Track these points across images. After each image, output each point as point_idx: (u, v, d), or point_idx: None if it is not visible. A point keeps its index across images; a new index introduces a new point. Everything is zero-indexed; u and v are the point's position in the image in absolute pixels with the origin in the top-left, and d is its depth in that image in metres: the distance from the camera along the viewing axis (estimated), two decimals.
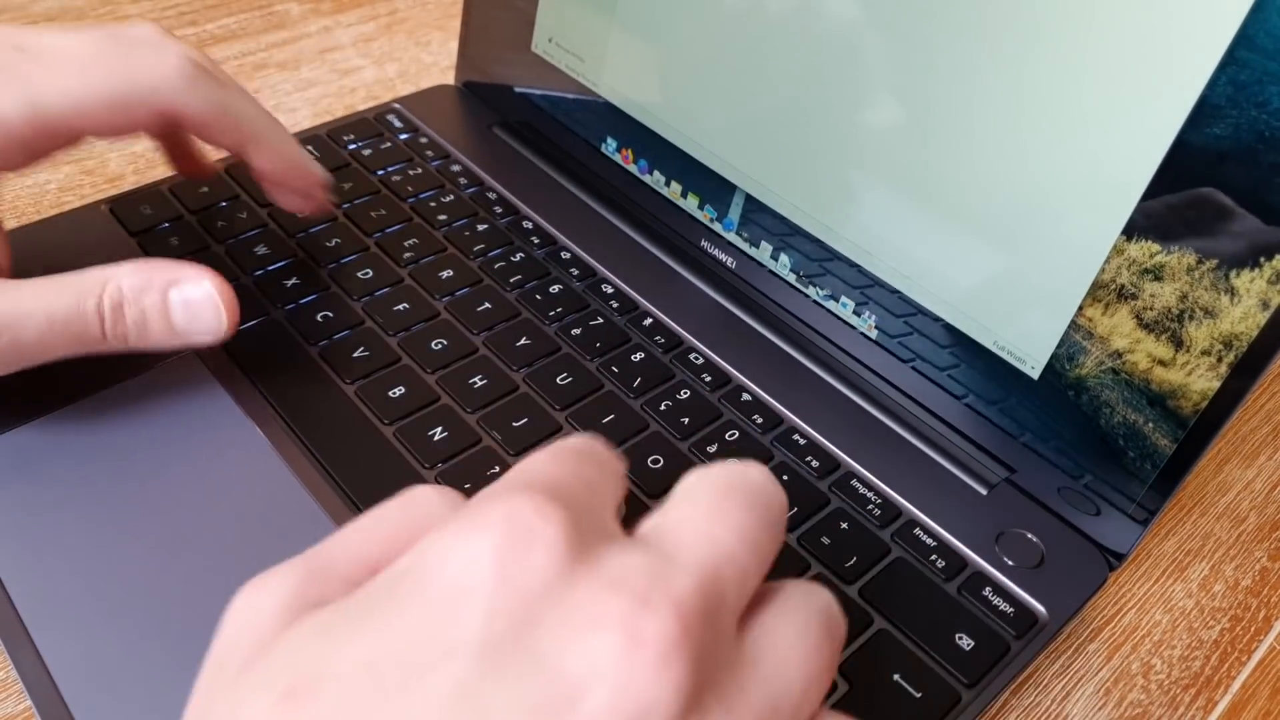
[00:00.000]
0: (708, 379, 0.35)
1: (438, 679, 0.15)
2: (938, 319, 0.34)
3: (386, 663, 0.15)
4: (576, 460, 0.19)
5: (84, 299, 0.28)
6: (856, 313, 0.36)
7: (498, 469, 0.31)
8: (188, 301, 0.29)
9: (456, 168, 0.43)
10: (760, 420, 0.34)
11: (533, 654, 0.15)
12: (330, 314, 0.35)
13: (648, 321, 0.37)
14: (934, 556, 0.31)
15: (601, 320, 0.37)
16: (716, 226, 0.40)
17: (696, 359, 0.36)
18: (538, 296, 0.38)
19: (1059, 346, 0.31)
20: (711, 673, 0.16)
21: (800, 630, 0.18)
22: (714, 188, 0.39)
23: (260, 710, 0.15)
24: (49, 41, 0.29)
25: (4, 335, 0.27)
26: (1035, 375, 0.32)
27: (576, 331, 0.36)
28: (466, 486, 0.30)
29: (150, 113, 0.30)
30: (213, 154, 0.37)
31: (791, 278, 0.38)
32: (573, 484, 0.18)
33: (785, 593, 0.19)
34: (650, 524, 0.19)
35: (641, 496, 0.31)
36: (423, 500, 0.19)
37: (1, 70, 0.28)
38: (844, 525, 0.31)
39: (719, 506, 0.18)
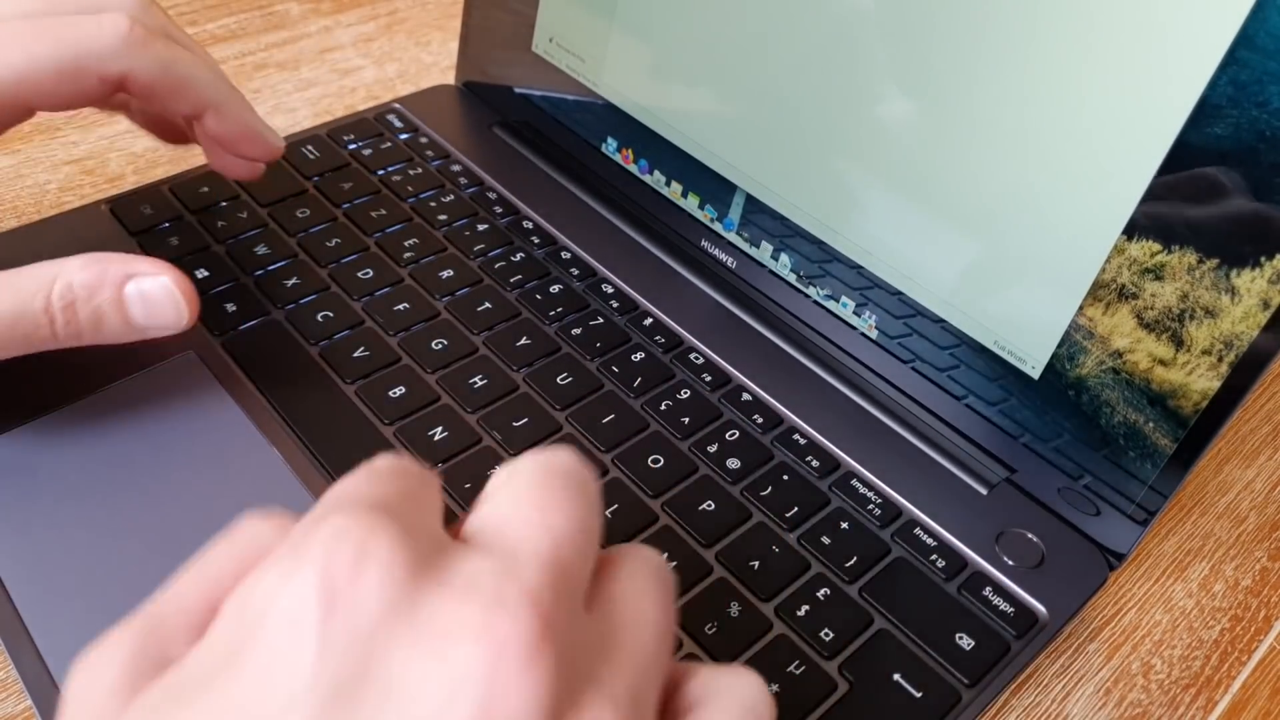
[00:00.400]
0: (708, 379, 0.35)
1: None
2: (938, 319, 0.34)
3: None
4: (391, 477, 0.18)
5: (30, 298, 0.26)
6: (857, 313, 0.36)
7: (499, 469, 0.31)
8: (145, 295, 0.27)
9: (456, 168, 0.43)
10: (760, 420, 0.34)
11: (385, 684, 0.15)
12: (330, 314, 0.35)
13: (648, 321, 0.37)
14: (934, 556, 0.31)
15: (601, 320, 0.37)
16: (717, 226, 0.40)
17: (697, 359, 0.36)
18: (538, 296, 0.38)
19: (1059, 346, 0.31)
20: (576, 658, 0.16)
21: (641, 591, 0.19)
22: (714, 188, 0.39)
23: None
24: None
25: None
26: (1036, 375, 0.32)
27: (576, 331, 0.36)
28: (467, 486, 0.30)
29: (98, 80, 0.29)
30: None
31: (792, 278, 0.38)
32: (394, 499, 0.18)
33: (617, 559, 0.19)
34: (476, 524, 0.18)
35: (643, 498, 0.31)
36: (249, 532, 0.18)
37: None
38: (844, 525, 0.31)
39: (544, 495, 0.18)
